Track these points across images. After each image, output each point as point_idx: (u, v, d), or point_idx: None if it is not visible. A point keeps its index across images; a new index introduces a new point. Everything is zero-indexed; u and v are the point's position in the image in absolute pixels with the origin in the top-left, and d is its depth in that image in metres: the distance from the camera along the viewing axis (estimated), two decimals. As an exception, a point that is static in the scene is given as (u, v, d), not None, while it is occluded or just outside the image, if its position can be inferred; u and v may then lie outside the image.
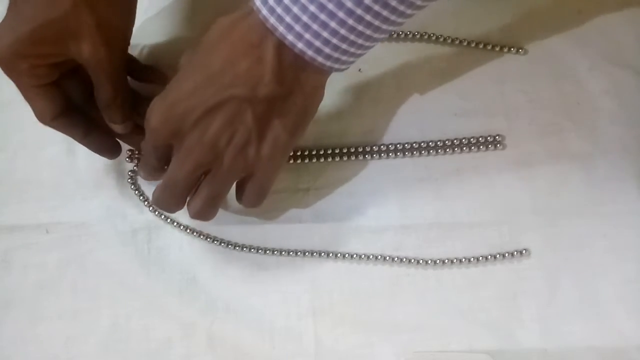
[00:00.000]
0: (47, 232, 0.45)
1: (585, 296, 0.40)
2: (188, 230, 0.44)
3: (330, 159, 0.44)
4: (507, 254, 0.41)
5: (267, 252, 0.43)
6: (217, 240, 0.44)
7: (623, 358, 0.39)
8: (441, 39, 0.44)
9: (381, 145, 0.43)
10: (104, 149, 0.43)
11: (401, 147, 0.43)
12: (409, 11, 0.32)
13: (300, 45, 0.32)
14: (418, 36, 0.45)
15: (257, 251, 0.43)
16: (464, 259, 0.41)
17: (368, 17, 0.32)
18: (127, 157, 0.45)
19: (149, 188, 0.45)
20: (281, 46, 0.33)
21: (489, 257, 0.41)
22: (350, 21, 0.32)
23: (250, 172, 0.37)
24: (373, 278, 0.42)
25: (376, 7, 0.31)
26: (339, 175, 0.44)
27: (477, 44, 0.44)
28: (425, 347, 0.40)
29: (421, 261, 0.41)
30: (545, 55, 0.44)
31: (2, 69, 0.38)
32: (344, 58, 0.34)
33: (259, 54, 0.33)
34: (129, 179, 0.45)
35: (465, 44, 0.44)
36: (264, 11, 0.32)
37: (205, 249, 0.44)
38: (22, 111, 0.48)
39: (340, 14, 0.31)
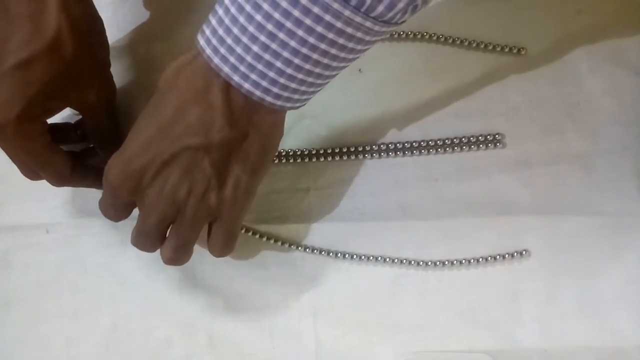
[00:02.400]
0: (47, 232, 0.45)
1: (585, 296, 0.40)
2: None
3: (330, 159, 0.44)
4: (507, 255, 0.41)
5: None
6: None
7: (623, 358, 0.39)
8: (441, 39, 0.44)
9: (381, 145, 0.43)
10: None
11: (401, 147, 0.43)
12: (359, 47, 0.31)
13: (247, 85, 0.32)
14: (418, 36, 0.45)
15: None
16: (464, 260, 0.41)
17: (315, 56, 0.31)
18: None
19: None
20: (229, 88, 0.32)
21: (489, 257, 0.41)
22: (297, 60, 0.31)
23: (216, 218, 0.36)
24: (373, 278, 0.42)
25: (322, 46, 0.30)
26: (339, 175, 0.44)
27: (477, 44, 0.44)
28: (425, 347, 0.40)
29: (421, 263, 0.41)
30: (545, 55, 0.44)
31: (12, 141, 0.36)
32: (296, 97, 0.33)
33: (208, 99, 0.32)
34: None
35: (465, 44, 0.44)
36: (208, 51, 0.32)
37: (205, 249, 0.44)
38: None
39: (285, 54, 0.30)
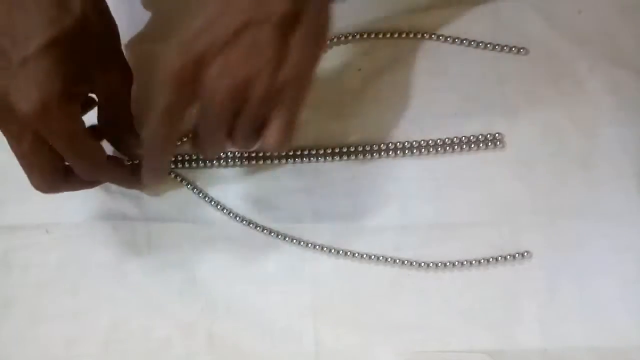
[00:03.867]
0: (47, 232, 0.45)
1: (585, 296, 0.40)
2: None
3: (330, 159, 0.44)
4: (508, 257, 0.41)
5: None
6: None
7: (623, 358, 0.39)
8: (441, 39, 0.44)
9: (381, 145, 0.43)
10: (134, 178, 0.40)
11: (401, 146, 0.43)
12: None
13: None
14: (419, 36, 0.45)
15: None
16: (465, 262, 0.41)
17: None
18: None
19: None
20: None
21: (490, 258, 0.41)
22: None
23: (276, 104, 0.33)
24: (373, 278, 0.42)
25: None
26: (339, 175, 0.44)
27: (477, 44, 0.44)
28: (425, 347, 0.40)
29: (422, 263, 0.41)
30: (545, 55, 0.44)
31: (57, 120, 0.34)
32: None
33: None
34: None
35: (465, 43, 0.44)
36: None
37: (205, 249, 0.44)
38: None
39: None
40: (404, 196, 0.43)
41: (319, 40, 0.34)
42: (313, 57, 0.34)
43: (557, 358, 0.39)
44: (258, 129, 0.34)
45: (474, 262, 0.41)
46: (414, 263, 0.41)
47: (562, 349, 0.39)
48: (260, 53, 0.32)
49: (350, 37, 0.45)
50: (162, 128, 0.34)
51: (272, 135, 0.34)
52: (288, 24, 0.32)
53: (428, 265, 0.41)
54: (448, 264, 0.41)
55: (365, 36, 0.45)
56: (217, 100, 0.32)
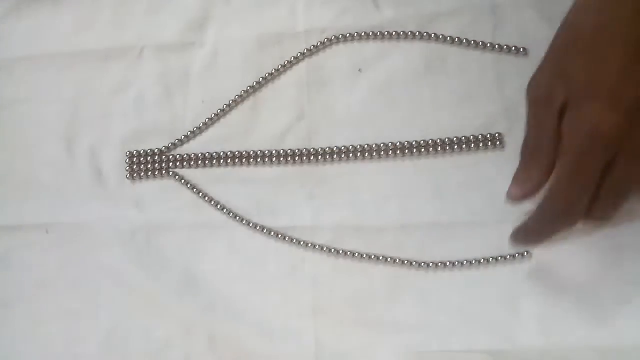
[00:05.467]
0: (47, 232, 0.45)
1: (585, 296, 0.40)
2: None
3: (329, 159, 0.44)
4: (508, 257, 0.41)
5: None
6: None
7: (623, 358, 0.39)
8: (441, 39, 0.44)
9: (381, 145, 0.43)
10: None
11: (401, 146, 0.43)
12: None
13: None
14: (418, 36, 0.45)
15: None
16: (465, 262, 0.41)
17: None
18: (127, 158, 0.45)
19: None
20: None
21: (490, 257, 0.41)
22: None
23: None
24: (373, 278, 0.42)
25: None
26: (339, 175, 0.44)
27: (477, 44, 0.44)
28: (425, 347, 0.40)
29: (422, 263, 0.41)
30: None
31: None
32: None
33: None
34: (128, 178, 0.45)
35: (465, 43, 0.44)
36: None
37: (205, 249, 0.44)
38: (22, 111, 0.48)
39: None
40: (404, 196, 0.43)
41: None
42: None
43: (557, 358, 0.39)
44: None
45: (474, 262, 0.41)
46: (414, 263, 0.41)
47: (562, 349, 0.39)
48: None
49: (350, 37, 0.45)
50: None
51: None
52: None
53: (428, 265, 0.41)
54: (448, 264, 0.41)
55: (365, 36, 0.45)
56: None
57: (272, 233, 0.43)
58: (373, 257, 0.42)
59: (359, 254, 0.42)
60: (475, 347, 0.40)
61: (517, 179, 0.35)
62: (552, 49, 0.32)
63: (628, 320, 0.39)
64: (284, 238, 0.43)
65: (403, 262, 0.41)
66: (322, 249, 0.42)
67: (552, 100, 0.31)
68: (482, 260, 0.41)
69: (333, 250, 0.42)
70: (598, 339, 0.39)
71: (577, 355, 0.39)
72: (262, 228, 0.43)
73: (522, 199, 0.35)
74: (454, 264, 0.41)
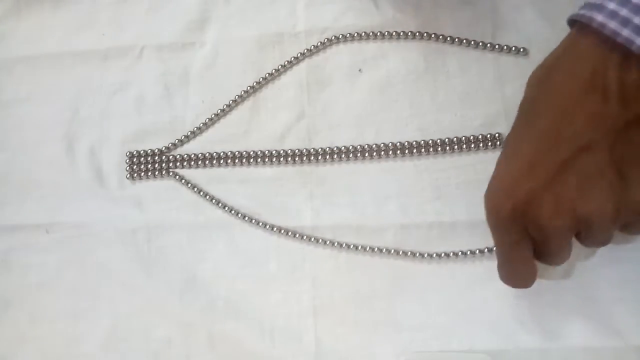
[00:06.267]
0: (47, 232, 0.45)
1: (585, 296, 0.40)
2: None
3: (329, 159, 0.44)
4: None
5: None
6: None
7: (623, 358, 0.39)
8: (441, 39, 0.44)
9: (381, 145, 0.43)
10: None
11: (401, 147, 0.43)
12: None
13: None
14: (418, 36, 0.45)
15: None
16: (465, 261, 0.41)
17: None
18: (127, 158, 0.45)
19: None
20: (624, 60, 0.28)
21: (490, 257, 0.41)
22: None
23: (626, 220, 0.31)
24: (373, 278, 0.42)
25: None
26: (339, 175, 0.44)
27: (477, 44, 0.44)
28: (425, 347, 0.40)
29: (423, 264, 0.41)
30: (545, 55, 0.44)
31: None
32: None
33: (599, 83, 0.29)
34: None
35: (465, 43, 0.44)
36: (613, 24, 0.28)
37: (205, 249, 0.44)
38: (22, 111, 0.48)
39: None
40: (404, 196, 0.43)
41: None
42: None
43: (557, 358, 0.39)
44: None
45: (476, 262, 0.41)
46: (418, 256, 0.41)
47: (562, 348, 0.39)
48: (598, 181, 0.29)
49: (350, 37, 0.45)
50: (504, 265, 0.35)
51: (595, 241, 0.32)
52: (623, 140, 0.29)
53: (428, 265, 0.41)
54: (450, 262, 0.41)
55: (365, 36, 0.45)
56: (554, 236, 0.31)
57: (273, 231, 0.43)
58: (373, 257, 0.42)
59: (359, 253, 0.42)
60: (475, 347, 0.40)
61: (502, 279, 0.37)
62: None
63: (627, 320, 0.39)
64: (285, 238, 0.43)
65: (403, 261, 0.41)
66: (323, 249, 0.42)
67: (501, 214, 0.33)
68: (482, 259, 0.41)
69: (333, 250, 0.42)
70: (598, 339, 0.39)
71: (577, 355, 0.39)
72: (263, 226, 0.43)
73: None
74: (454, 263, 0.41)
